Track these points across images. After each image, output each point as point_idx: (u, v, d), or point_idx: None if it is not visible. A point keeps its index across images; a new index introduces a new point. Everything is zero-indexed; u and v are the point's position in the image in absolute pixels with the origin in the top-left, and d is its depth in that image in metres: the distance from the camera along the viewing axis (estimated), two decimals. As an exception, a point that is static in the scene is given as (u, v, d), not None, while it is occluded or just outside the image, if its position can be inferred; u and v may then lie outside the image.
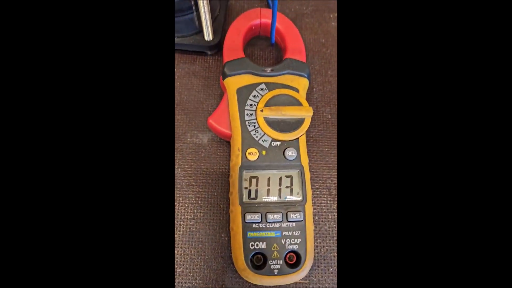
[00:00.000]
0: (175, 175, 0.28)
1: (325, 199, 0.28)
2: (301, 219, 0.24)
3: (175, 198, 0.27)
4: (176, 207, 0.27)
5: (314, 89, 0.31)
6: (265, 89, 0.27)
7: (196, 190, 0.27)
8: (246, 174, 0.25)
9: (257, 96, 0.26)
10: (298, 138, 0.26)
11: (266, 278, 0.23)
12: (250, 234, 0.23)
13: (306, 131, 0.26)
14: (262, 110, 0.26)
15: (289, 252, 0.23)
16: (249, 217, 0.23)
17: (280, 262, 0.23)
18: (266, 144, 0.25)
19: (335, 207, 0.27)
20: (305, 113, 0.26)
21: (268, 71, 0.27)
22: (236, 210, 0.24)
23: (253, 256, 0.23)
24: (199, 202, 0.27)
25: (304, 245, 0.23)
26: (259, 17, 0.30)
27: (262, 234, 0.23)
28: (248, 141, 0.25)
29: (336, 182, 0.28)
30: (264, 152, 0.25)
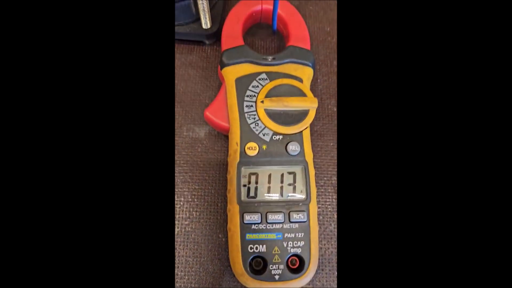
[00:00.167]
0: (170, 171, 0.27)
1: (330, 197, 0.27)
2: (305, 220, 0.23)
3: (170, 196, 0.26)
4: (170, 205, 0.26)
5: (319, 80, 0.31)
6: (266, 79, 0.26)
7: (192, 187, 0.26)
8: (245, 171, 0.24)
9: (258, 86, 0.25)
10: (301, 131, 0.25)
11: (266, 284, 0.22)
12: (249, 236, 0.22)
13: (310, 125, 0.25)
14: (262, 102, 0.25)
15: (292, 255, 0.22)
16: (247, 218, 0.23)
17: (281, 266, 0.22)
18: (267, 138, 0.24)
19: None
20: (310, 104, 0.25)
21: (269, 60, 0.26)
22: (233, 210, 0.23)
23: (252, 260, 0.22)
24: (195, 200, 0.26)
25: (308, 248, 0.22)
26: (260, 3, 0.29)
27: (262, 236, 0.22)
28: (247, 134, 0.24)
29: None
30: (264, 147, 0.24)
